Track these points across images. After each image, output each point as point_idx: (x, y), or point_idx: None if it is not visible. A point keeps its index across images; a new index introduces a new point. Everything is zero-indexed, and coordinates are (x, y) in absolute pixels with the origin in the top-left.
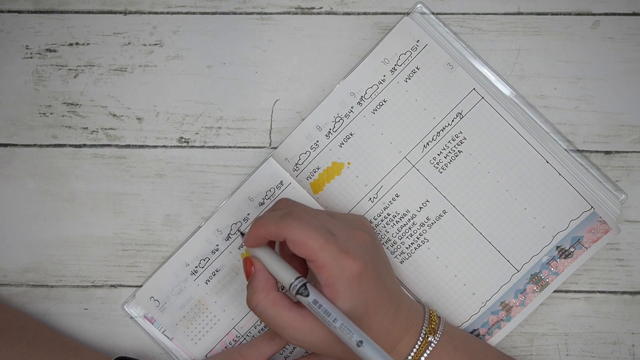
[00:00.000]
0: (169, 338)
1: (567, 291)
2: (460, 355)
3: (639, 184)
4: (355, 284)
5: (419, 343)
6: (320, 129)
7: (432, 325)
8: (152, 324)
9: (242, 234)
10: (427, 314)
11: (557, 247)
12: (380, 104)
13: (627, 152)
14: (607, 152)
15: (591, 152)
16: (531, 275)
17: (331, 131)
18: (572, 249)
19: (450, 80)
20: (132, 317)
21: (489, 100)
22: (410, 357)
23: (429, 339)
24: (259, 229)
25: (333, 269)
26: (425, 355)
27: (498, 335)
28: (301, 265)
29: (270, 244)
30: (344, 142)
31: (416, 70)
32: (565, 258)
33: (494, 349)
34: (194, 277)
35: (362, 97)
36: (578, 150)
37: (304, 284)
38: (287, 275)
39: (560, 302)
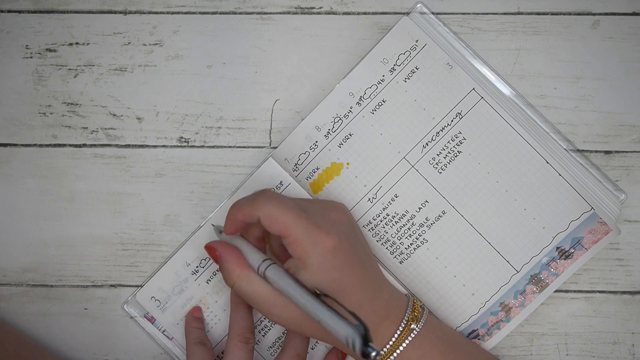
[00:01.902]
0: (169, 338)
1: (567, 291)
2: (442, 346)
3: (639, 184)
4: (328, 259)
5: (401, 329)
6: (319, 129)
7: (415, 314)
8: (152, 323)
9: (213, 226)
10: (410, 302)
11: (557, 248)
12: (380, 104)
13: (627, 152)
14: (607, 152)
15: (591, 152)
16: (531, 276)
17: (330, 131)
18: (572, 250)
19: (449, 80)
20: (132, 317)
21: (489, 101)
22: (391, 343)
23: (412, 326)
24: (234, 212)
25: (305, 242)
26: (406, 342)
27: (497, 336)
28: (285, 252)
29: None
30: (343, 143)
31: (415, 70)
32: (565, 259)
33: (475, 344)
34: (194, 277)
35: (361, 97)
36: (578, 150)
37: (267, 268)
38: (253, 258)
39: (560, 302)
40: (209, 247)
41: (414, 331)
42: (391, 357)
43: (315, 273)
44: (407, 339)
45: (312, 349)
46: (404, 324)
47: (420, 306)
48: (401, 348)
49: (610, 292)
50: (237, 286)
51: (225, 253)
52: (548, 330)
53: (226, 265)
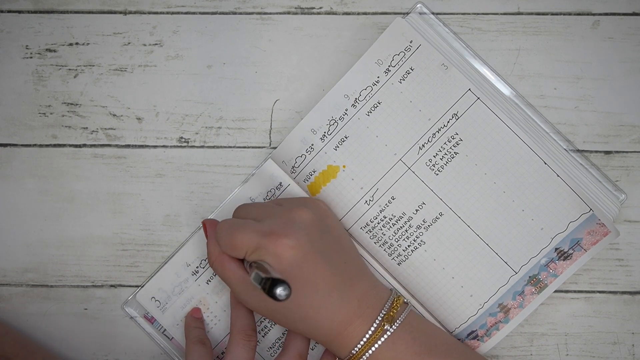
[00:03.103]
0: (169, 338)
1: (567, 291)
2: (419, 347)
3: (639, 184)
4: (284, 258)
5: (372, 329)
6: (315, 132)
7: (392, 313)
8: (152, 324)
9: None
10: (389, 301)
11: (556, 249)
12: (375, 105)
13: (627, 152)
14: (607, 152)
15: (591, 152)
16: (529, 277)
17: (326, 134)
18: (570, 251)
19: (445, 81)
20: (132, 317)
21: (485, 101)
22: (361, 343)
23: (385, 327)
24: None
25: (259, 249)
26: (378, 343)
27: (496, 337)
28: None
29: None
30: (338, 145)
31: (410, 71)
32: (564, 260)
33: (459, 344)
34: (195, 278)
35: (356, 99)
36: (578, 150)
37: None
38: None
39: (560, 302)
40: (203, 224)
41: (388, 332)
42: (363, 357)
43: (278, 273)
44: (379, 340)
45: (312, 350)
46: (376, 324)
47: (404, 302)
48: (373, 349)
49: (610, 292)
50: (216, 264)
51: (210, 234)
52: (548, 330)
53: (209, 247)
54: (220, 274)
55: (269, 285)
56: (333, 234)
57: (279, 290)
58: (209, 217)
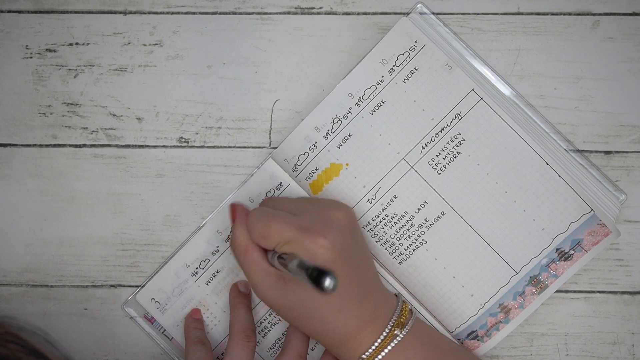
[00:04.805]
0: (169, 338)
1: (567, 291)
2: (427, 352)
3: (639, 184)
4: (317, 258)
5: (384, 335)
6: (318, 130)
7: (402, 319)
8: (152, 324)
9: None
10: (398, 307)
11: (557, 250)
12: (379, 104)
13: (627, 152)
14: (607, 152)
15: (591, 152)
16: (530, 277)
17: (329, 132)
18: (571, 252)
19: (448, 81)
20: (131, 317)
21: (488, 102)
22: (372, 349)
23: (395, 332)
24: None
25: (294, 243)
26: (389, 347)
27: (496, 337)
28: None
29: None
30: (342, 144)
31: (414, 70)
32: (564, 260)
33: (465, 350)
34: (194, 279)
35: (360, 98)
36: (578, 150)
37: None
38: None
39: (560, 302)
40: (233, 207)
41: (397, 337)
42: None
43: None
44: (389, 345)
45: (312, 350)
46: (388, 330)
47: (410, 310)
48: (383, 354)
49: (610, 292)
50: (237, 252)
51: (239, 219)
52: (548, 330)
53: (235, 232)
54: (241, 261)
55: (316, 274)
56: (357, 240)
57: (328, 281)
58: (209, 217)
